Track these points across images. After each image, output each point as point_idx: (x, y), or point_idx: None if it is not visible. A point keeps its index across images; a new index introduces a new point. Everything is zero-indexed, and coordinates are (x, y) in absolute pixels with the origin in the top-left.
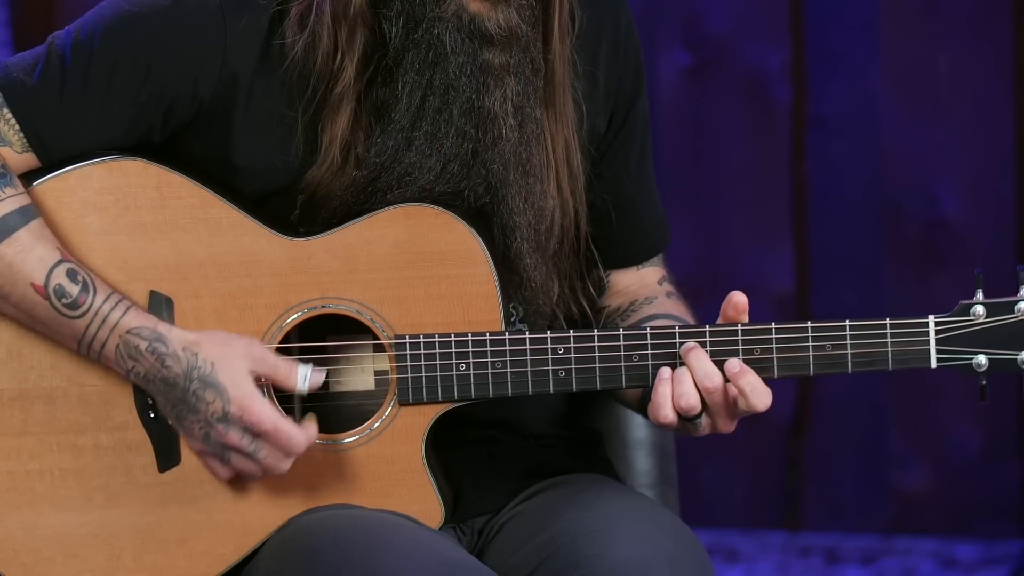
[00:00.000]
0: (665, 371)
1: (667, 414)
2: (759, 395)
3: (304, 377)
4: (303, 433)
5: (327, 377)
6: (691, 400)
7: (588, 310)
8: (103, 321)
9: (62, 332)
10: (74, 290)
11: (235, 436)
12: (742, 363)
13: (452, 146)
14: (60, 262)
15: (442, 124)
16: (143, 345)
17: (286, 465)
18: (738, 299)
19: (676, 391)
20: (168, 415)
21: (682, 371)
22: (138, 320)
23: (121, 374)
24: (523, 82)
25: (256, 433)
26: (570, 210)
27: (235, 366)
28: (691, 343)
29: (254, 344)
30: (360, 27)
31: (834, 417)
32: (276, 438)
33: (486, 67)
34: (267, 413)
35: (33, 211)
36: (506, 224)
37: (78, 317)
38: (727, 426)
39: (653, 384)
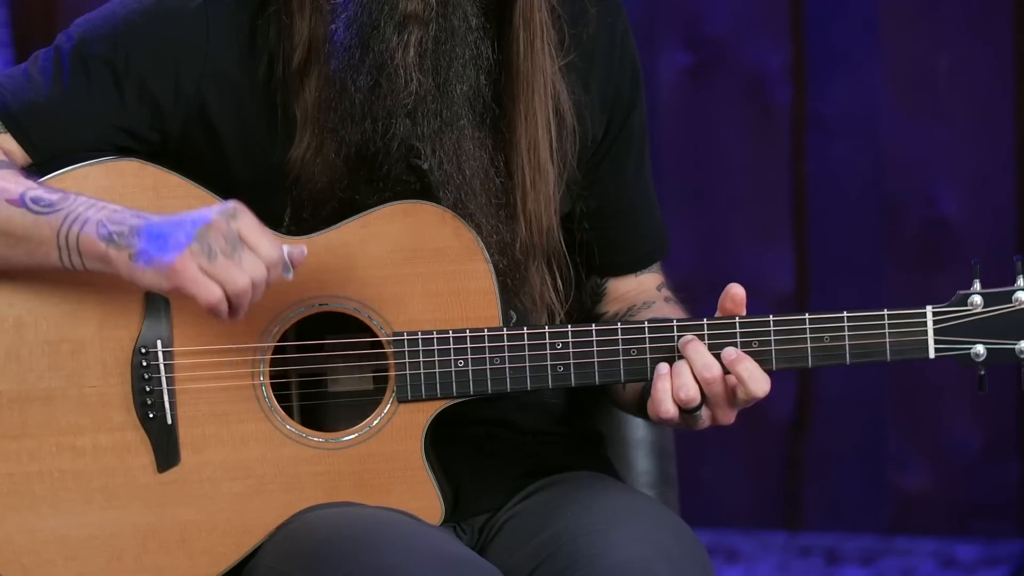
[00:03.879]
0: (663, 366)
1: (668, 408)
2: (757, 381)
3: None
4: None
5: (326, 376)
6: (690, 392)
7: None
8: (86, 206)
9: (41, 234)
10: (52, 196)
11: (225, 225)
12: (738, 350)
13: (365, 99)
14: (39, 186)
15: (360, 77)
16: (128, 214)
17: (261, 270)
18: (736, 291)
19: (675, 383)
20: (146, 241)
21: (680, 364)
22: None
23: (97, 251)
24: (446, 39)
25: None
26: (539, 209)
27: None
28: (689, 335)
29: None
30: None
31: (834, 417)
32: (258, 235)
33: (396, 14)
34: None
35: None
36: (434, 182)
37: (56, 212)
38: (727, 417)
39: (651, 379)
